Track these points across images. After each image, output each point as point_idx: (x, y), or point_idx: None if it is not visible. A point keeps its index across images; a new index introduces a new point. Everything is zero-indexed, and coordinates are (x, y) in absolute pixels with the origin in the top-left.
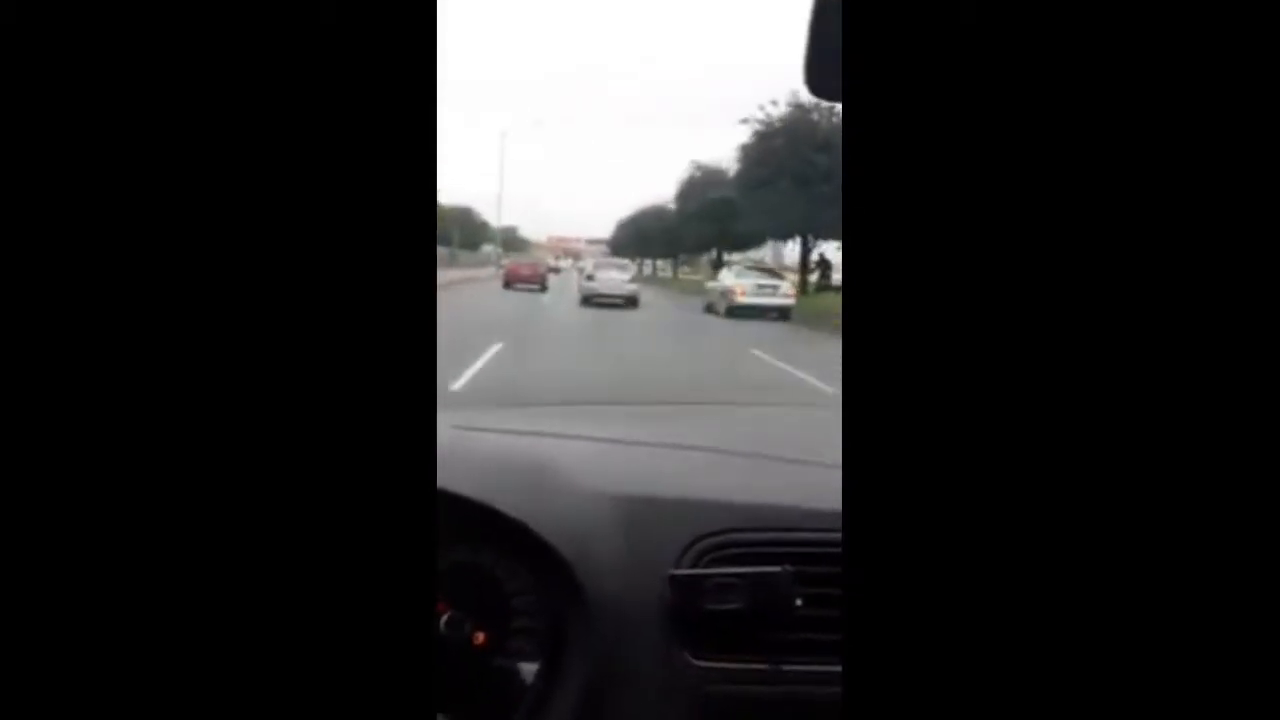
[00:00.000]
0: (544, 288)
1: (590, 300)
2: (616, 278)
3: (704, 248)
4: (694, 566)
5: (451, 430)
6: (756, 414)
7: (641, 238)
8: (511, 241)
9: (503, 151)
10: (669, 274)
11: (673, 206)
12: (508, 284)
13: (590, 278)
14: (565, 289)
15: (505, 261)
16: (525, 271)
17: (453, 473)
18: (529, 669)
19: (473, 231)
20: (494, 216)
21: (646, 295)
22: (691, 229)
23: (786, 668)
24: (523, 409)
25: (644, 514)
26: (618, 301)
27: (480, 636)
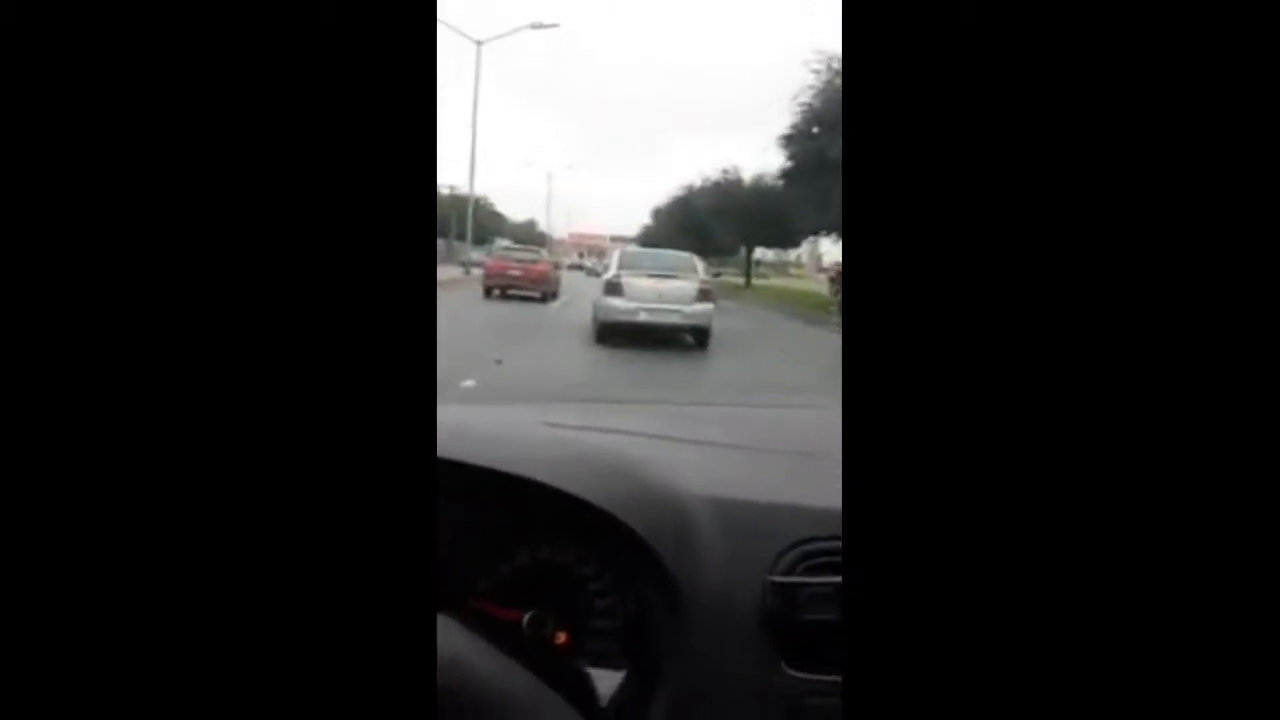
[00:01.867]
0: (550, 296)
1: (612, 334)
2: (673, 289)
3: (736, 246)
4: (790, 573)
5: (541, 426)
6: (812, 416)
7: (680, 230)
8: (528, 237)
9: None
10: (730, 276)
11: (700, 201)
12: (489, 291)
13: (615, 287)
14: (582, 300)
15: (485, 256)
16: (516, 272)
17: (532, 465)
18: (611, 672)
19: (483, 223)
20: (511, 209)
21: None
22: (726, 223)
23: None
24: (569, 403)
25: (741, 517)
26: (684, 336)
27: (562, 636)
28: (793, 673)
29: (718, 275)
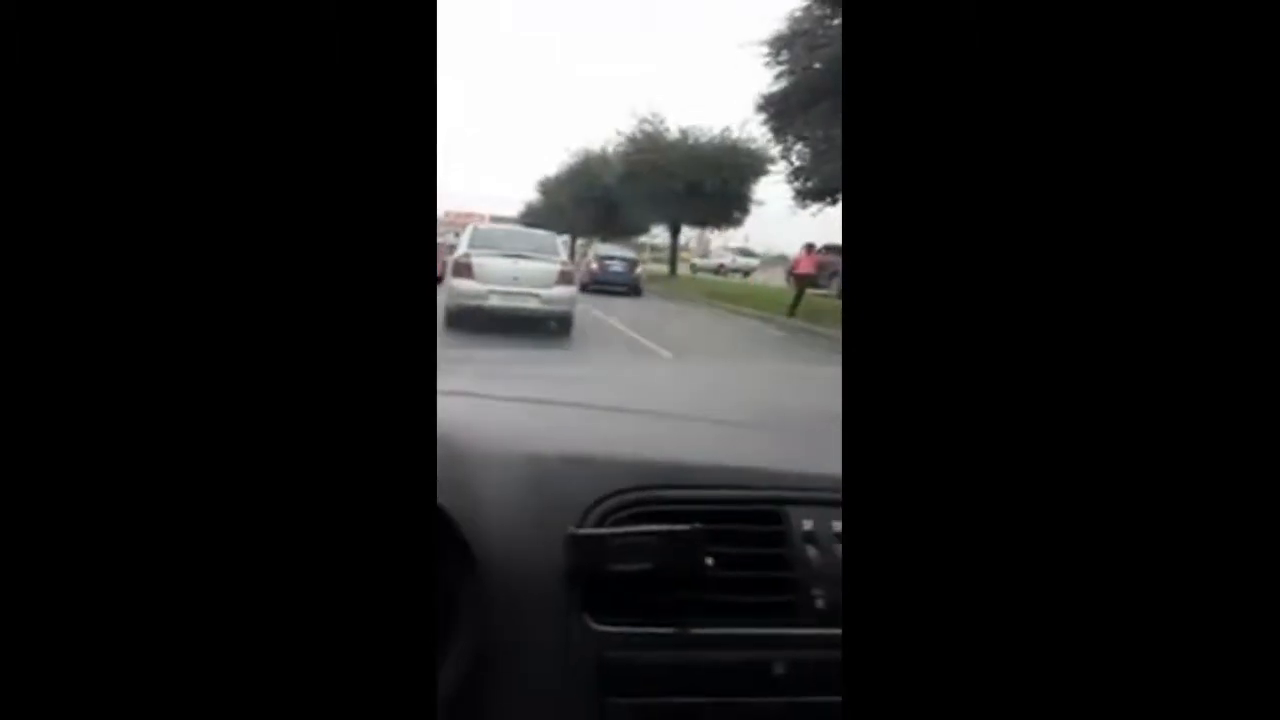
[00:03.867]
0: None
1: (462, 321)
2: (531, 271)
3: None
4: (600, 526)
5: None
6: (654, 371)
7: (577, 204)
8: None
9: None
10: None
11: (607, 167)
12: None
13: (463, 268)
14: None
15: None
16: None
17: None
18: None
19: None
20: None
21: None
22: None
23: (695, 631)
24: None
25: (547, 473)
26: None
27: None
28: (599, 627)
29: (634, 265)
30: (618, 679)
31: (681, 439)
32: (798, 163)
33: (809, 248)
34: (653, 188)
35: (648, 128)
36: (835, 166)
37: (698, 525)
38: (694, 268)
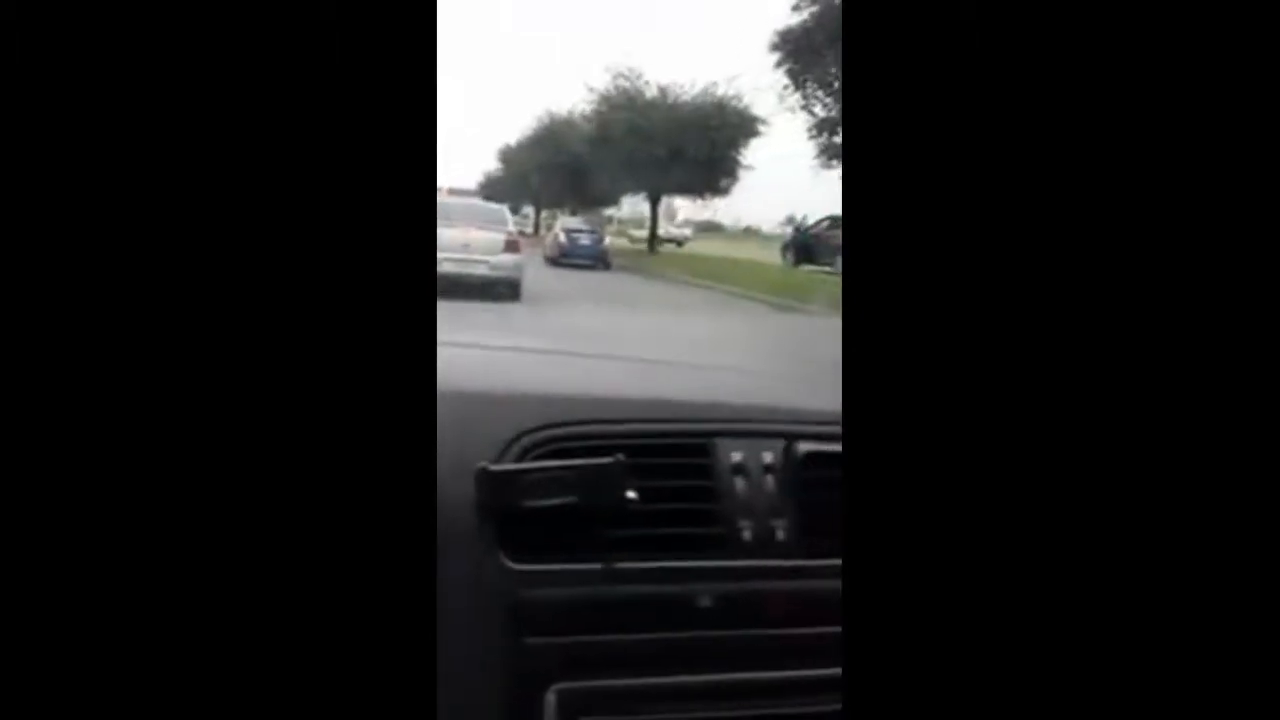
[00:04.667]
0: None
1: None
2: (480, 240)
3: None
4: (519, 462)
5: None
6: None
7: (542, 173)
8: None
9: None
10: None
11: (577, 131)
12: None
13: None
14: None
15: None
16: None
17: None
18: None
19: None
20: None
21: None
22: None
23: (616, 566)
24: None
25: (465, 410)
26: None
27: None
28: (516, 565)
29: (599, 240)
30: (536, 618)
31: (608, 376)
32: (823, 114)
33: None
34: (629, 152)
35: (623, 83)
36: None
37: (619, 458)
38: (631, 239)
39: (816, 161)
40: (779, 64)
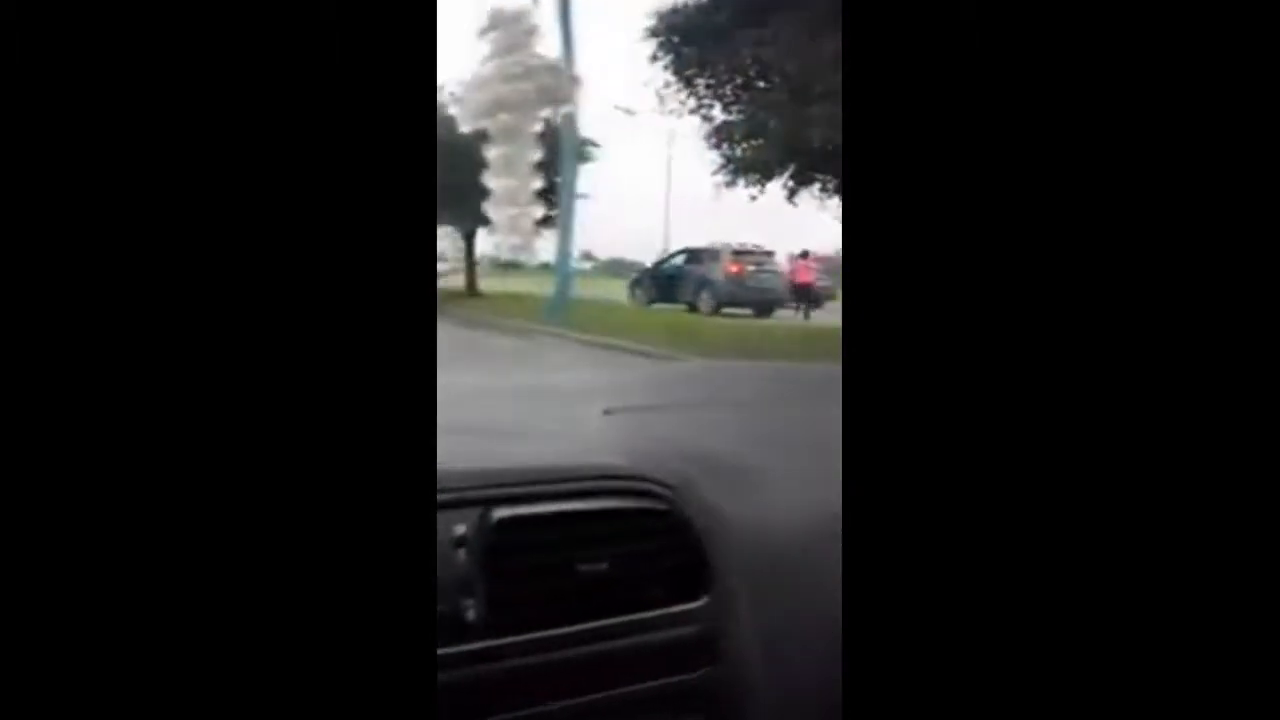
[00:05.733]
0: None
1: None
2: None
3: None
4: None
5: None
6: None
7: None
8: None
9: None
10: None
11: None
12: None
13: None
14: None
15: None
16: None
17: None
18: None
19: None
20: None
21: None
22: None
23: None
24: None
25: None
26: None
27: None
28: None
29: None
30: None
31: None
32: (725, 116)
33: (803, 255)
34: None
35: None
36: (822, 113)
37: None
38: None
39: (719, 178)
40: (661, 46)
